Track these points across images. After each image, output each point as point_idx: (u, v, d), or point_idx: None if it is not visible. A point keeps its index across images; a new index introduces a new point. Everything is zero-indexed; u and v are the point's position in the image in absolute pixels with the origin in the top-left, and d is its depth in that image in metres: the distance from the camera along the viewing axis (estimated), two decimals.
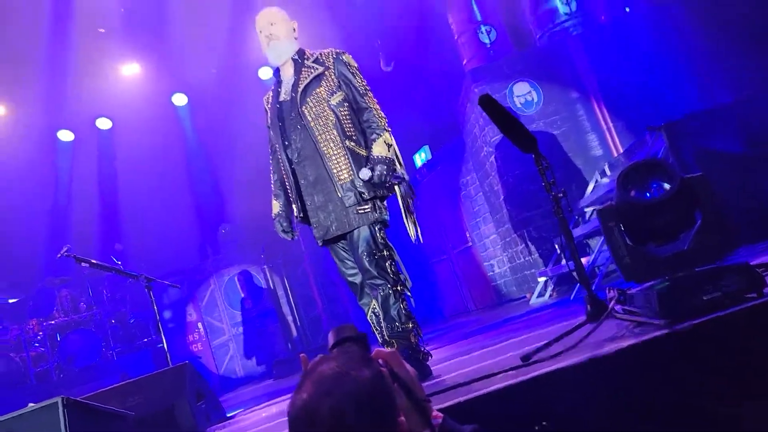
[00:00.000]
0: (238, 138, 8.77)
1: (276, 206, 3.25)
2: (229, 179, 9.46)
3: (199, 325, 8.21)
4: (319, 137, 2.94)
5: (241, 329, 8.16)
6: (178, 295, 7.83)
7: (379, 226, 2.97)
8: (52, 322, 7.42)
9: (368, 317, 3.07)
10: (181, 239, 9.24)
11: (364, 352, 1.15)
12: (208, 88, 9.07)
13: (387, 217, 3.03)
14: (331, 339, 1.22)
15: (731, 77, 5.55)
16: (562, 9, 6.35)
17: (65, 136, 9.14)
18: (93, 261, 4.26)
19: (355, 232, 2.93)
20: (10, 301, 7.62)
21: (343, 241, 3.06)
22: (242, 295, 8.29)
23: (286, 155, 3.04)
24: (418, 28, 7.66)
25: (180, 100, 9.27)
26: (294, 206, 3.11)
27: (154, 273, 4.46)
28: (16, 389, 6.98)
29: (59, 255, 4.25)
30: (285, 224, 3.22)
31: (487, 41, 6.55)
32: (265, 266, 8.32)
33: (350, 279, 3.10)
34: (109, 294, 8.16)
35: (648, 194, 2.17)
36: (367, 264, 2.90)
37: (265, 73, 8.86)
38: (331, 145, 2.93)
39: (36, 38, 7.36)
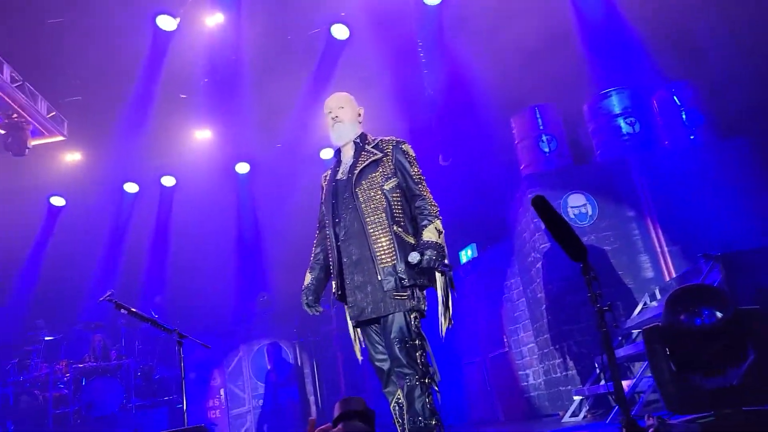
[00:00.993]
0: (290, 213, 9.00)
1: (307, 278, 3.30)
2: (274, 251, 9.61)
3: (221, 391, 8.10)
4: (367, 218, 2.99)
5: (261, 402, 8.00)
6: (205, 357, 7.80)
7: (415, 314, 2.93)
8: (81, 365, 7.46)
9: (391, 407, 2.97)
10: (218, 302, 9.32)
11: (369, 429, 1.13)
12: (270, 161, 9.44)
13: (424, 307, 2.99)
14: (337, 410, 1.19)
15: None
16: (625, 128, 6.40)
17: (131, 188, 9.60)
18: (132, 309, 4.32)
19: (390, 317, 2.90)
20: (47, 338, 7.74)
21: (376, 325, 3.02)
22: (268, 368, 8.18)
23: (334, 232, 3.10)
24: (479, 128, 7.85)
25: (242, 168, 9.65)
26: (333, 282, 3.14)
27: (187, 331, 4.47)
28: (33, 428, 6.96)
29: (101, 299, 4.33)
30: (311, 298, 3.25)
31: (546, 150, 6.63)
32: (296, 342, 8.25)
33: (378, 364, 3.03)
34: (141, 346, 8.21)
35: (698, 320, 2.08)
36: (397, 351, 2.84)
37: (326, 154, 9.19)
38: (378, 228, 2.97)
39: (123, 94, 7.92)
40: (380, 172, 3.07)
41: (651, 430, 2.13)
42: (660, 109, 6.57)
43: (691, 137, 6.32)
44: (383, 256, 2.92)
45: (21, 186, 8.76)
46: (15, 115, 6.73)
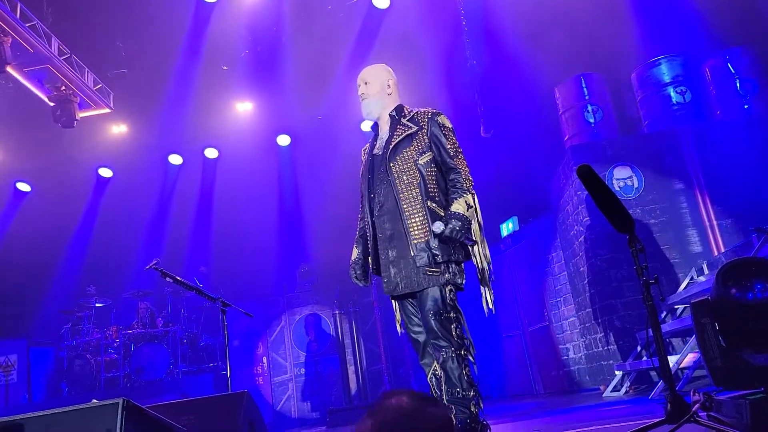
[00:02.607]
0: (330, 184, 9.04)
1: (354, 252, 3.33)
2: (315, 222, 9.69)
3: (264, 359, 8.30)
4: (401, 194, 2.97)
5: (303, 371, 8.17)
6: (249, 325, 7.98)
7: (450, 287, 2.92)
8: (130, 331, 7.74)
9: (428, 379, 2.99)
10: (261, 271, 9.49)
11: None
12: (311, 133, 9.47)
13: (461, 281, 2.97)
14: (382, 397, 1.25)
15: None
16: (676, 98, 6.18)
17: (175, 159, 9.79)
18: (177, 278, 4.42)
19: (424, 292, 2.90)
20: (98, 305, 8.04)
21: (411, 298, 3.04)
22: (309, 337, 8.33)
23: (369, 206, 3.12)
24: (523, 99, 7.68)
25: (284, 140, 9.72)
26: (370, 257, 3.19)
27: (231, 299, 4.57)
28: (85, 390, 7.29)
29: (148, 267, 4.44)
30: (359, 272, 3.29)
31: (591, 120, 6.45)
32: (337, 312, 8.35)
33: (414, 336, 3.06)
34: (186, 314, 8.45)
35: (751, 294, 2.01)
36: (432, 324, 2.84)
37: (366, 126, 9.15)
38: (412, 203, 2.94)
39: (166, 67, 8.03)
40: (415, 146, 3.02)
41: (697, 405, 2.09)
42: (713, 78, 6.31)
43: (746, 107, 6.06)
44: (416, 232, 2.91)
45: (70, 158, 9.02)
46: (63, 88, 6.89)
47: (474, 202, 3.00)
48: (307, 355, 8.25)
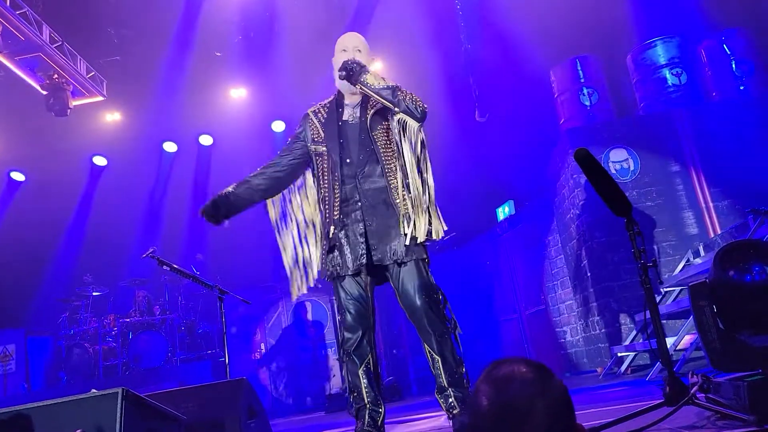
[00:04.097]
0: None
1: (238, 187, 3.25)
2: None
3: (262, 345, 8.32)
4: (386, 166, 2.91)
5: (300, 356, 8.19)
6: (246, 312, 7.99)
7: (427, 265, 2.91)
8: (128, 320, 7.74)
9: (362, 369, 2.91)
10: (258, 258, 9.48)
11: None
12: None
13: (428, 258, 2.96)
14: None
15: None
16: (671, 80, 6.16)
17: (170, 147, 9.73)
18: (174, 265, 4.41)
19: (408, 265, 2.85)
20: (95, 293, 8.03)
21: (372, 275, 2.95)
22: (306, 323, 8.35)
23: (341, 171, 2.95)
24: (518, 82, 7.65)
25: (278, 126, 9.66)
26: (331, 226, 2.94)
27: (228, 286, 4.56)
28: (84, 379, 7.31)
29: (144, 255, 4.43)
30: (222, 210, 3.31)
31: (587, 103, 6.43)
32: (333, 298, 8.36)
33: (356, 317, 2.90)
34: (183, 301, 8.45)
35: (749, 276, 2.02)
36: (423, 303, 2.80)
37: None
38: (396, 175, 2.89)
39: (159, 53, 7.95)
40: (389, 123, 2.96)
41: (695, 387, 2.10)
42: (708, 59, 6.29)
43: (741, 88, 6.05)
44: (402, 204, 2.85)
45: (64, 146, 8.96)
46: (56, 76, 6.82)
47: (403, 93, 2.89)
48: (304, 340, 8.27)
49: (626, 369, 5.06)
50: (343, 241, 2.91)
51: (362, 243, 2.87)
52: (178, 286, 8.41)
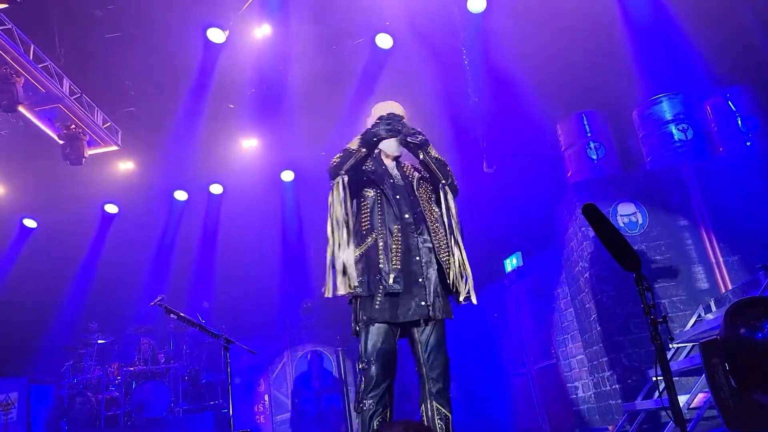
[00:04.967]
0: None
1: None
2: (317, 258, 9.69)
3: (266, 397, 8.19)
4: (431, 225, 3.04)
5: (305, 409, 8.05)
6: (251, 362, 7.90)
7: None
8: (131, 368, 7.67)
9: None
10: (264, 307, 9.46)
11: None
12: (314, 169, 9.54)
13: None
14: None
15: None
16: (678, 135, 6.22)
17: (180, 195, 9.86)
18: (181, 314, 4.41)
19: (439, 322, 2.92)
20: (100, 341, 7.99)
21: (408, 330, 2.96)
22: (311, 375, 8.24)
23: (402, 221, 2.99)
24: (525, 135, 7.76)
25: (287, 176, 9.80)
26: (391, 275, 2.86)
27: (233, 336, 4.54)
28: (86, 429, 7.18)
29: (152, 303, 4.44)
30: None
31: (594, 157, 6.49)
32: (339, 349, 8.27)
33: (386, 362, 2.83)
34: (188, 350, 8.38)
35: (760, 335, 1.99)
36: (446, 371, 2.86)
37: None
38: (443, 239, 3.04)
39: (174, 105, 8.16)
40: (430, 188, 3.18)
41: None
42: (714, 116, 6.36)
43: (748, 144, 6.09)
44: (450, 263, 2.99)
45: (77, 194, 9.10)
46: (73, 126, 6.99)
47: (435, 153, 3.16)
48: (309, 392, 8.14)
49: (639, 427, 4.93)
50: (398, 290, 2.86)
51: (417, 297, 2.89)
52: (183, 334, 8.36)
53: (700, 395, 4.15)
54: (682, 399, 4.15)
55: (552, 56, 7.15)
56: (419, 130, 3.12)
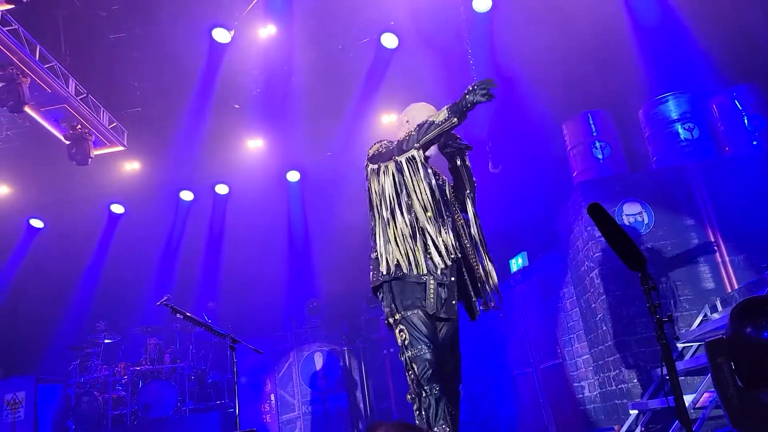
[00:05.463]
0: (339, 220, 9.08)
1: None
2: (323, 257, 9.71)
3: (272, 396, 8.21)
4: (459, 225, 3.15)
5: (311, 408, 8.06)
6: (257, 362, 7.93)
7: None
8: (138, 368, 7.70)
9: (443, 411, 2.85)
10: (270, 307, 9.48)
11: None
12: (320, 169, 9.57)
13: None
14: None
15: None
16: (684, 134, 6.20)
17: (186, 196, 9.89)
18: (187, 314, 4.43)
19: (455, 324, 3.01)
20: (106, 341, 8.02)
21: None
22: (318, 374, 8.25)
23: (453, 218, 3.12)
24: (530, 135, 7.75)
25: (293, 176, 9.81)
26: (444, 259, 2.84)
27: (239, 336, 4.55)
28: (92, 428, 7.22)
29: (159, 303, 4.46)
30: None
31: (600, 156, 6.48)
32: (345, 348, 8.28)
33: (436, 349, 2.76)
34: (194, 350, 8.41)
35: (766, 334, 1.99)
36: (459, 364, 2.93)
37: None
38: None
39: (179, 105, 8.19)
40: (454, 196, 3.25)
41: None
42: (720, 115, 6.34)
43: (754, 143, 6.07)
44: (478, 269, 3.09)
45: (83, 194, 9.14)
46: (79, 126, 7.02)
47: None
48: (315, 392, 8.15)
49: (644, 427, 4.92)
50: (449, 284, 2.90)
51: (460, 292, 3.02)
52: (189, 334, 8.39)
53: (706, 395, 4.14)
54: (687, 398, 4.14)
55: (557, 55, 7.14)
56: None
